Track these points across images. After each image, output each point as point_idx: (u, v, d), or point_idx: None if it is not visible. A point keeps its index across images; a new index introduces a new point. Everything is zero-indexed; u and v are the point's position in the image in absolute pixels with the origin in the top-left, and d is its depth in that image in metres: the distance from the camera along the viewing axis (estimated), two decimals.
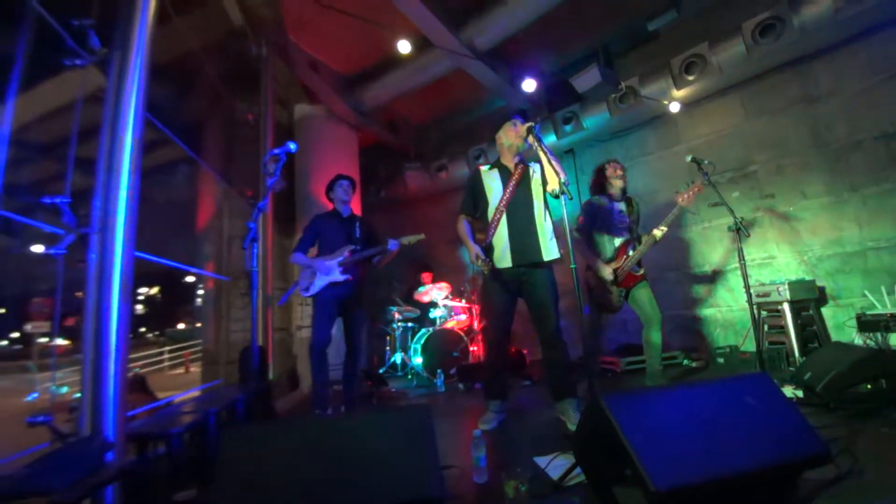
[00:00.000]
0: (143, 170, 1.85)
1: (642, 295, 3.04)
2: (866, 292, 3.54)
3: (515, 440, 2.36)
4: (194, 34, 3.92)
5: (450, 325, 4.94)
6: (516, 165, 2.71)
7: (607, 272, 3.04)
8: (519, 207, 2.61)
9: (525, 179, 2.67)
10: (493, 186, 2.69)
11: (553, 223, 2.66)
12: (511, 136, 2.71)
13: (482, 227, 2.68)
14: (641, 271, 3.07)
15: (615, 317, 3.44)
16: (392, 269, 5.91)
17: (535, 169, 2.72)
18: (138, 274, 1.78)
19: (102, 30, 1.94)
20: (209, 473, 1.26)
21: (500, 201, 2.62)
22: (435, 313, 5.12)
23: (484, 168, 2.79)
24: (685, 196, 3.03)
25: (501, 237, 2.59)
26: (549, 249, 2.57)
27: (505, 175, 2.70)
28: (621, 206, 3.22)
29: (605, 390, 3.10)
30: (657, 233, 2.99)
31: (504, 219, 2.60)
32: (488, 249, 2.62)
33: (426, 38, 4.30)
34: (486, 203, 2.68)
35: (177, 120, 3.67)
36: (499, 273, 2.59)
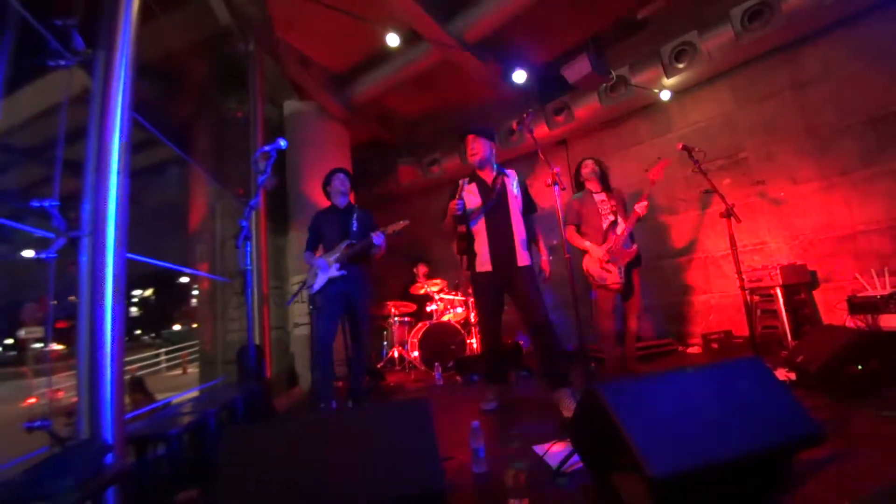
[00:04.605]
0: (133, 171, 1.84)
1: (633, 282, 3.19)
2: (857, 275, 3.58)
3: (514, 430, 2.38)
4: (181, 33, 3.87)
5: (446, 318, 4.95)
6: (495, 178, 2.85)
7: (600, 252, 3.16)
8: (496, 217, 2.78)
9: (503, 190, 2.82)
10: (471, 198, 2.84)
11: (526, 231, 2.84)
12: (467, 155, 2.92)
13: (463, 237, 2.88)
14: (633, 246, 3.20)
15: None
16: (388, 264, 5.92)
17: (512, 179, 2.88)
18: (132, 276, 1.77)
19: (86, 30, 1.91)
20: (210, 473, 1.27)
21: (479, 212, 2.79)
22: (431, 307, 5.13)
23: (463, 181, 2.93)
24: (652, 171, 3.18)
25: (482, 245, 2.79)
26: (523, 256, 2.75)
27: (483, 187, 2.86)
28: (601, 196, 3.36)
29: (600, 378, 3.15)
30: (638, 208, 3.13)
31: (483, 228, 2.79)
32: (470, 255, 2.86)
33: (415, 32, 4.27)
34: (465, 215, 2.83)
35: (165, 120, 3.63)
36: (481, 276, 2.79)
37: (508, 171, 2.91)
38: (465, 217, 2.83)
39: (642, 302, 3.31)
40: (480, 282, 2.81)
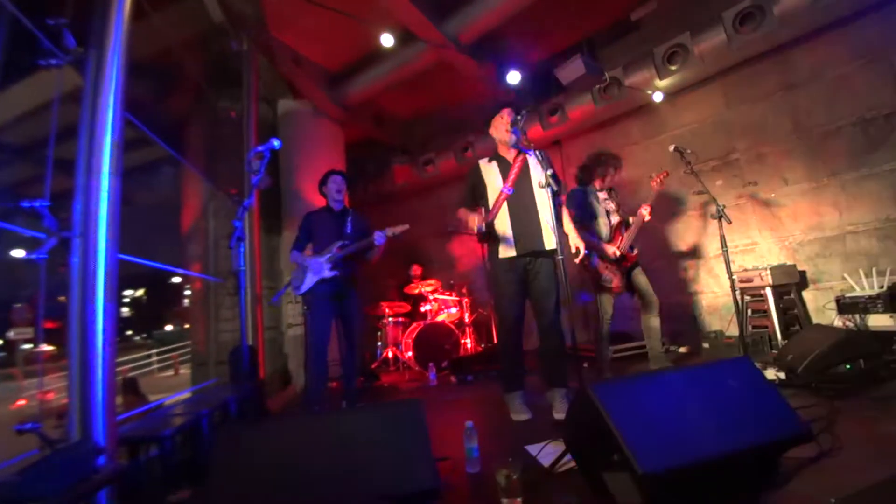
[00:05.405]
0: (125, 170, 1.82)
1: (641, 280, 3.19)
2: (845, 275, 3.63)
3: (507, 430, 2.39)
4: (173, 31, 3.84)
5: (440, 318, 4.96)
6: (516, 156, 2.72)
7: (612, 251, 3.13)
8: (520, 197, 2.63)
9: (525, 170, 2.68)
10: (493, 179, 2.71)
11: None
12: (500, 128, 2.74)
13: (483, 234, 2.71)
14: (635, 251, 3.21)
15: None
16: (382, 264, 5.93)
17: (534, 158, 2.71)
18: (123, 276, 1.76)
19: (78, 28, 1.90)
20: (202, 474, 1.27)
21: (500, 192, 2.64)
22: (425, 307, 5.14)
23: (483, 161, 2.81)
24: (656, 181, 3.25)
25: (504, 227, 2.61)
26: (550, 239, 2.56)
27: (504, 167, 2.72)
28: (603, 194, 3.36)
29: (593, 377, 3.17)
30: (644, 211, 3.14)
31: (506, 209, 2.62)
32: (492, 241, 2.66)
33: (410, 32, 4.28)
34: (485, 196, 2.71)
35: (157, 119, 3.60)
36: (504, 262, 2.61)
37: (532, 153, 2.71)
38: (485, 205, 2.70)
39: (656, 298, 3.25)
40: (503, 269, 2.61)
